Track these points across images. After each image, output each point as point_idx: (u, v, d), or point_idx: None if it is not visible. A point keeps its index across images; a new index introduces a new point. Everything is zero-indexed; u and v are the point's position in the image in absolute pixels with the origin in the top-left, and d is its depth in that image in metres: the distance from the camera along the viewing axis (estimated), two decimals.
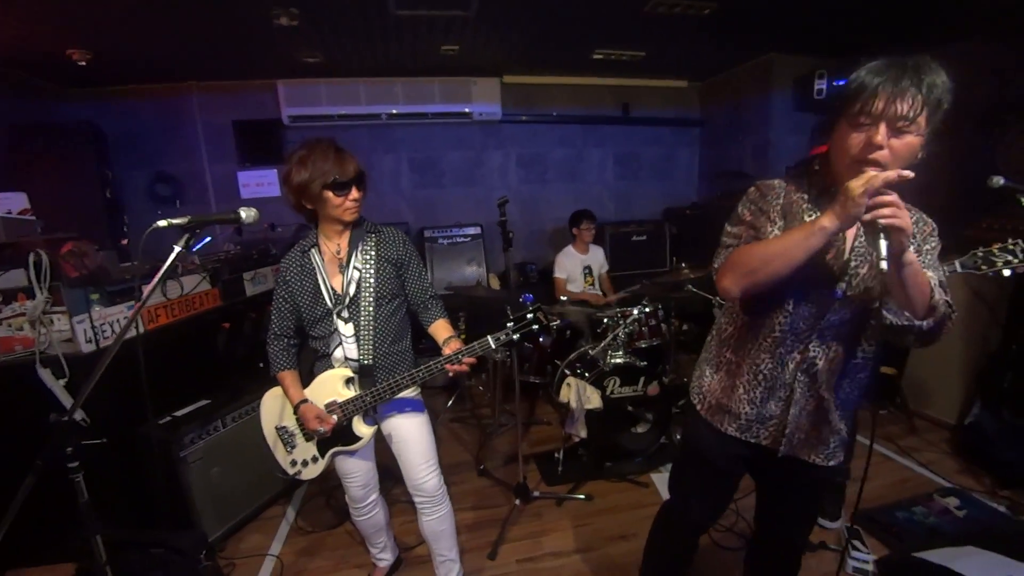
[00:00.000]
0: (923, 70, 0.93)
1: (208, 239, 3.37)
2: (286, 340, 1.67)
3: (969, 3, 2.56)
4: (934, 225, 1.18)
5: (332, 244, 1.61)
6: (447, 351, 1.53)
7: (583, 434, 2.54)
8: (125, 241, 3.64)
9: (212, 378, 2.51)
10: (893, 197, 0.88)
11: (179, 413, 2.19)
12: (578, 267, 3.86)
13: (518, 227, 4.55)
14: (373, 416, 1.66)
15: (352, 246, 1.59)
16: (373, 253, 1.59)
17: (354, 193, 1.51)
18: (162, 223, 1.19)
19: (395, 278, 1.63)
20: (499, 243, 2.56)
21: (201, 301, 2.56)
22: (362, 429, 1.62)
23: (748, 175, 4.13)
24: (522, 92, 4.32)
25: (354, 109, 3.93)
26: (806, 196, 1.15)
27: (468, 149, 4.40)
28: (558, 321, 3.17)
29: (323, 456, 1.67)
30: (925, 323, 1.02)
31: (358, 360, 1.60)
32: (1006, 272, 1.80)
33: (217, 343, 2.71)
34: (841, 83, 3.34)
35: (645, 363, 2.75)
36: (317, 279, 1.59)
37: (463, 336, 3.44)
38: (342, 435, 1.63)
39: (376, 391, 1.55)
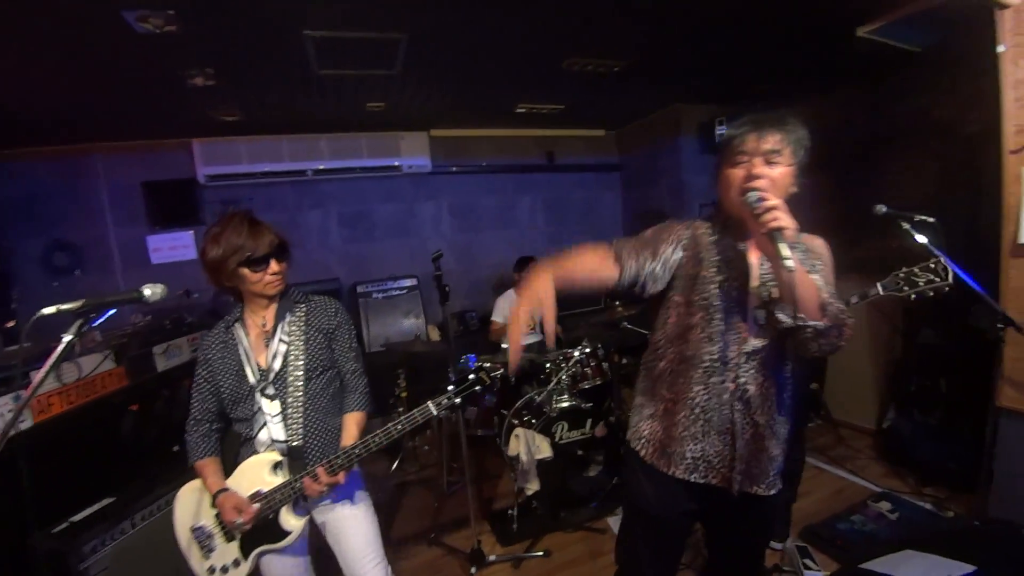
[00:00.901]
0: (781, 117, 1.16)
1: (112, 311, 3.06)
2: (207, 425, 1.51)
3: (843, 54, 2.95)
4: (824, 243, 1.30)
5: (257, 318, 1.52)
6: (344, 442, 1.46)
7: (536, 487, 2.47)
8: (11, 323, 3.22)
9: (118, 471, 2.19)
10: (776, 202, 1.02)
11: (77, 517, 1.87)
12: None
13: (455, 275, 4.55)
14: (304, 505, 1.48)
15: (279, 318, 1.50)
16: (302, 323, 1.50)
17: (273, 267, 1.43)
18: (49, 310, 1.05)
19: (327, 348, 1.54)
20: (437, 293, 2.53)
21: (104, 383, 2.29)
22: (291, 522, 1.43)
23: (667, 214, 4.41)
24: (451, 144, 4.42)
25: (277, 166, 3.83)
26: (711, 230, 1.27)
27: (399, 201, 4.39)
28: (501, 370, 3.12)
29: (246, 558, 1.45)
30: (821, 323, 1.10)
31: (286, 441, 1.44)
32: (929, 293, 2.01)
33: (123, 429, 2.40)
34: None
35: (591, 404, 2.76)
36: (240, 355, 1.47)
37: (404, 394, 3.30)
38: (267, 530, 1.43)
39: (306, 475, 1.40)
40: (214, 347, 1.49)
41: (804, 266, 1.10)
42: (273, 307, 1.51)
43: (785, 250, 0.97)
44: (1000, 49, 2.10)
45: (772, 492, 1.27)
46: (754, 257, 1.23)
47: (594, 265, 1.23)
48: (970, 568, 1.72)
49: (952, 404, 2.99)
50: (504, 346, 3.84)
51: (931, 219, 2.11)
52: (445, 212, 4.56)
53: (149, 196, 3.73)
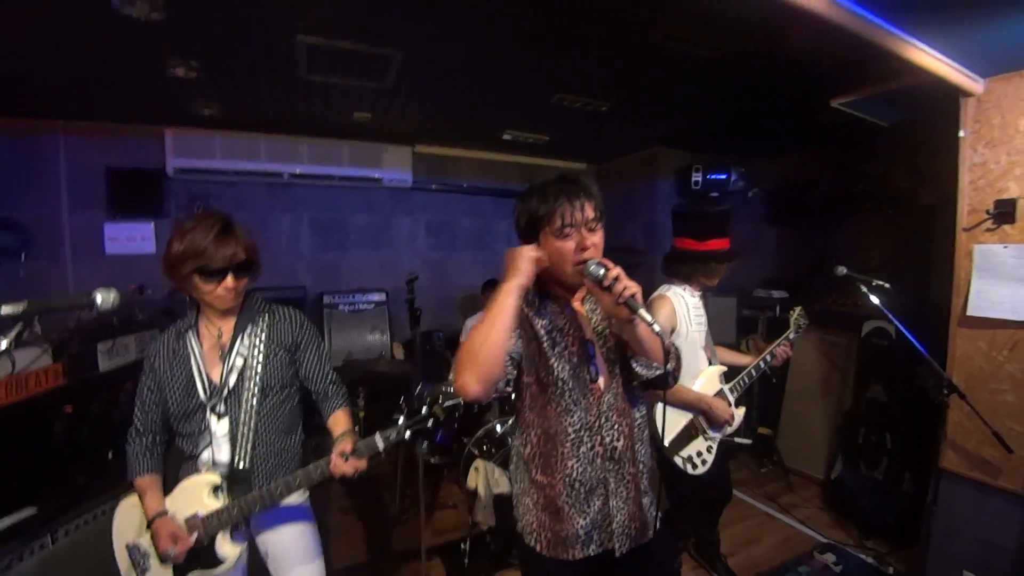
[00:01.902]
0: (587, 185, 1.23)
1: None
2: (149, 437, 1.41)
3: (814, 119, 3.12)
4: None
5: (213, 328, 1.43)
6: (335, 451, 1.34)
7: (491, 522, 2.41)
8: None
9: (44, 478, 2.01)
10: (618, 270, 1.11)
11: None
12: None
13: (426, 293, 4.47)
14: (244, 531, 1.41)
15: (238, 329, 1.42)
16: (263, 336, 1.43)
17: (228, 282, 1.32)
18: None
19: (288, 365, 1.46)
20: (405, 310, 2.49)
21: (38, 380, 2.11)
22: (226, 549, 1.34)
23: (640, 251, 4.51)
24: (434, 161, 4.41)
25: (253, 165, 3.70)
26: (531, 300, 1.29)
27: (376, 213, 4.33)
28: (458, 400, 3.02)
29: None
30: (669, 365, 1.18)
31: (230, 463, 1.36)
32: (792, 336, 2.42)
33: (54, 432, 2.22)
34: (714, 177, 3.87)
35: None
36: (191, 368, 1.38)
37: (362, 413, 3.19)
38: (202, 556, 1.34)
39: (245, 501, 1.31)
40: (162, 355, 1.41)
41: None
42: (232, 317, 1.43)
43: (647, 315, 1.08)
44: (961, 134, 2.27)
45: (652, 532, 1.32)
46: (582, 318, 1.31)
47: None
48: None
49: (895, 459, 3.12)
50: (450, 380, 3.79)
51: (886, 284, 2.22)
52: (422, 229, 4.52)
53: (112, 182, 3.54)
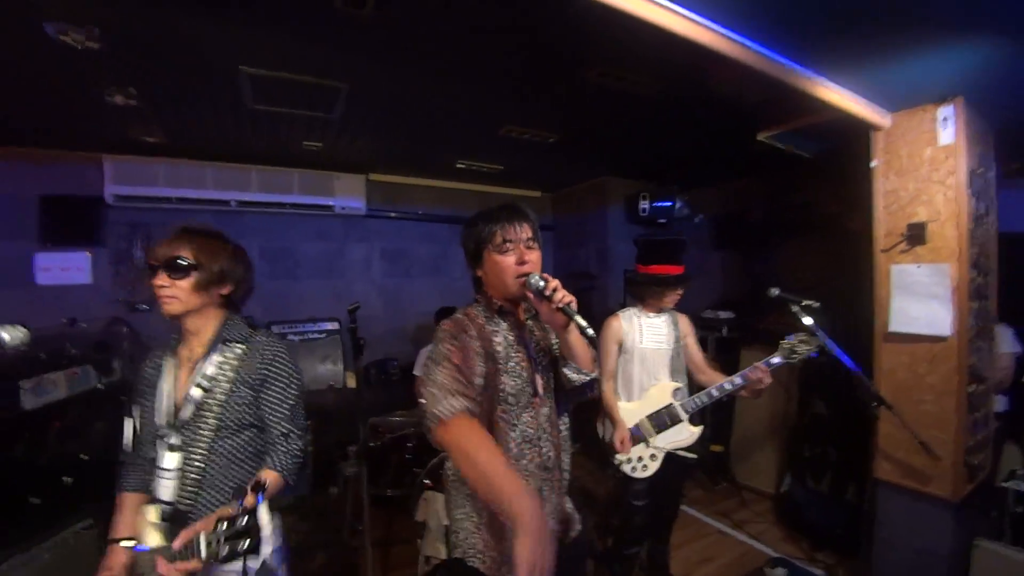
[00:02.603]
0: (522, 210, 1.35)
1: None
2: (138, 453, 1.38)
3: (745, 151, 3.32)
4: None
5: (189, 347, 1.35)
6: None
7: (443, 555, 2.35)
8: None
9: None
10: (556, 282, 1.21)
11: None
12: None
13: (381, 321, 4.42)
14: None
15: (207, 353, 1.32)
16: (233, 365, 1.31)
17: (159, 278, 1.27)
18: None
19: (251, 404, 1.33)
20: (360, 339, 2.47)
21: None
22: None
23: (593, 275, 4.61)
24: (388, 189, 4.41)
25: (198, 193, 3.61)
26: (485, 318, 1.35)
27: (329, 241, 4.27)
28: (412, 429, 2.93)
29: None
30: (596, 373, 1.33)
31: (173, 504, 1.25)
32: (807, 356, 2.25)
33: None
34: (660, 204, 4.03)
35: None
36: (159, 389, 1.32)
37: (309, 448, 3.07)
38: None
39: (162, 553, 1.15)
40: (147, 373, 1.38)
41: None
42: (205, 339, 1.34)
43: (581, 320, 1.17)
44: (873, 164, 2.47)
45: (578, 529, 1.43)
46: (527, 333, 1.40)
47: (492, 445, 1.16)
48: None
49: (839, 472, 3.24)
50: (422, 401, 3.72)
51: (815, 304, 2.35)
52: (377, 256, 4.48)
53: (46, 210, 3.37)
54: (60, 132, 3.12)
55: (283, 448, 1.33)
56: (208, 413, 1.28)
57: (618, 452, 2.26)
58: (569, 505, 1.43)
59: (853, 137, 2.52)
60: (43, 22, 1.86)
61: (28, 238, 3.35)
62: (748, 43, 1.74)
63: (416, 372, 3.75)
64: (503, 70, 2.33)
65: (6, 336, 1.05)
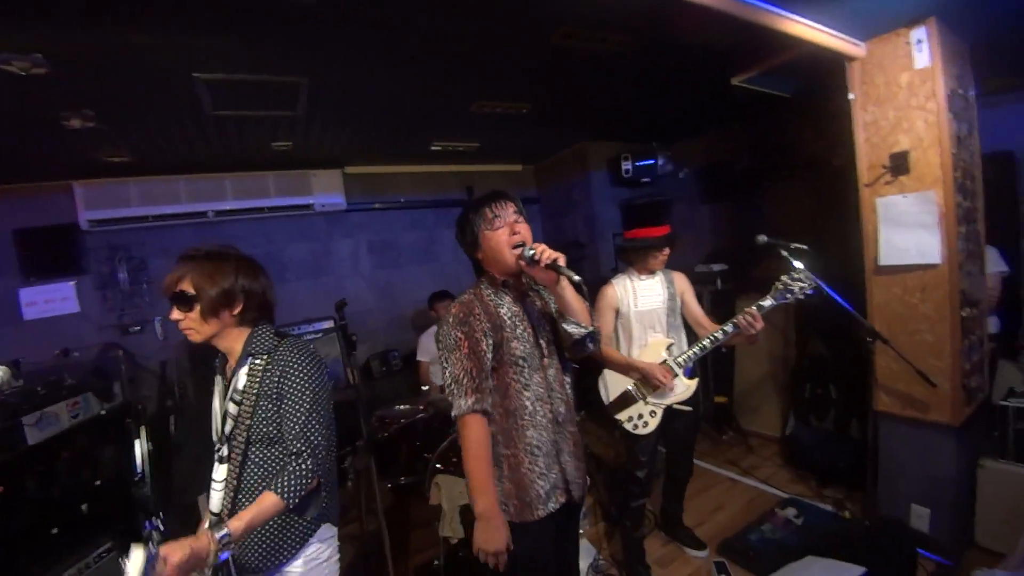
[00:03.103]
0: (503, 191, 1.50)
1: None
2: None
3: (723, 99, 3.25)
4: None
5: (230, 364, 1.41)
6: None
7: (460, 534, 2.40)
8: None
9: None
10: (544, 246, 1.35)
11: None
12: None
13: (375, 314, 4.42)
14: None
15: (236, 372, 1.34)
16: (257, 381, 1.30)
17: (173, 314, 1.31)
18: None
19: (274, 417, 1.30)
20: (358, 336, 2.48)
21: None
22: None
23: (583, 243, 4.59)
24: (367, 181, 4.34)
25: (173, 208, 3.55)
26: (492, 295, 1.50)
27: (313, 240, 4.22)
28: (419, 415, 2.98)
29: None
30: (594, 327, 1.46)
31: (218, 514, 1.31)
32: (802, 296, 2.20)
33: None
34: (642, 164, 3.97)
35: None
36: (214, 405, 1.39)
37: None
38: None
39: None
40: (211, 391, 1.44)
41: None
42: (237, 355, 1.35)
43: (569, 272, 1.31)
44: (851, 96, 2.42)
45: (581, 490, 1.58)
46: (530, 303, 1.54)
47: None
48: (860, 570, 1.87)
49: (841, 408, 3.29)
50: (425, 388, 3.75)
51: (804, 247, 2.34)
52: (364, 249, 4.44)
53: (22, 245, 3.32)
54: (25, 164, 3.05)
55: (291, 468, 1.27)
56: (241, 426, 1.31)
57: (664, 385, 2.28)
58: (582, 453, 1.58)
59: (830, 72, 2.46)
60: None
61: (9, 275, 3.31)
62: None
63: (420, 358, 3.77)
64: (463, 45, 2.25)
65: None
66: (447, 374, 1.42)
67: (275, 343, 1.35)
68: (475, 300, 1.47)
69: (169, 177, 3.54)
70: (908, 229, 2.29)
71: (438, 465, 2.70)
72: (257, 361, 1.32)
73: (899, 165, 2.28)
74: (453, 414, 1.39)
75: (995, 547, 2.29)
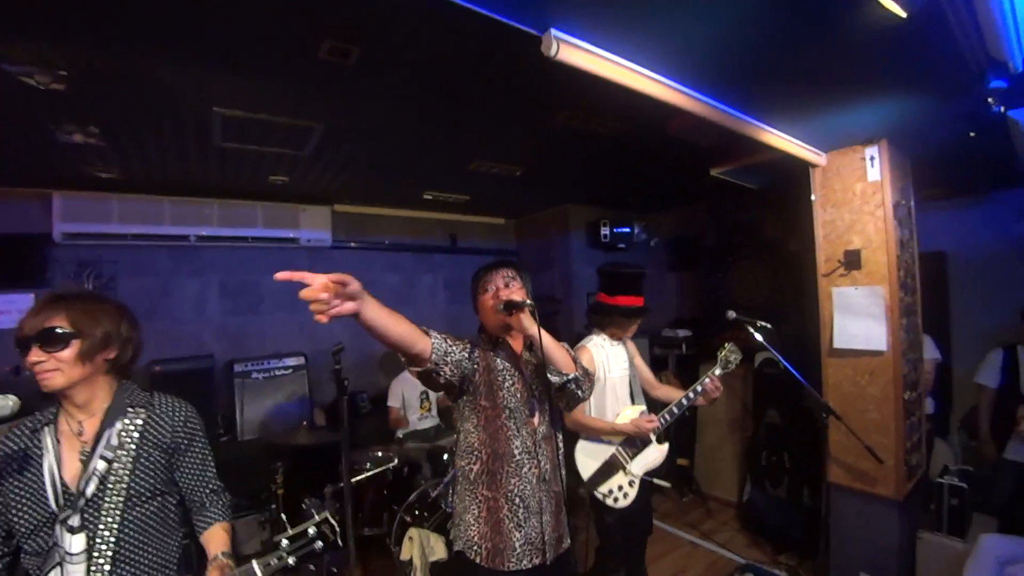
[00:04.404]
0: (505, 260, 1.72)
1: None
2: None
3: (694, 180, 3.58)
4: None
5: (73, 422, 1.23)
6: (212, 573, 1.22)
7: None
8: None
9: None
10: (519, 294, 1.55)
11: None
12: (415, 392, 3.80)
13: (347, 353, 4.30)
14: None
15: (105, 426, 1.22)
16: (136, 435, 1.24)
17: (32, 355, 1.16)
18: None
19: (164, 468, 1.28)
20: (327, 374, 2.45)
21: None
22: None
23: (559, 299, 4.76)
24: (354, 220, 4.39)
25: (155, 229, 3.47)
26: (488, 347, 1.62)
27: None
28: (395, 461, 2.92)
29: None
30: (577, 373, 1.53)
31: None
32: (735, 365, 2.48)
33: None
34: (619, 230, 4.23)
35: None
36: (43, 472, 1.17)
37: (280, 491, 2.99)
38: None
39: None
40: (11, 455, 1.18)
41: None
42: (97, 410, 1.24)
43: (519, 301, 1.46)
44: (813, 198, 2.74)
45: (567, 544, 1.62)
46: (523, 364, 1.63)
47: (412, 330, 1.41)
48: None
49: (794, 477, 3.48)
50: (400, 435, 3.70)
51: (768, 325, 2.57)
52: None
53: None
54: (8, 167, 2.94)
55: (220, 500, 1.41)
56: (117, 485, 1.19)
57: (654, 429, 2.34)
58: (563, 516, 1.61)
59: (793, 172, 2.80)
60: (6, 62, 1.80)
61: None
62: (702, 97, 1.94)
63: (391, 403, 3.72)
64: (477, 113, 2.44)
65: None
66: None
67: (148, 397, 1.33)
68: (466, 343, 1.58)
69: (155, 197, 3.47)
70: (859, 318, 2.57)
71: (407, 518, 2.66)
72: (141, 412, 1.27)
73: (852, 261, 2.59)
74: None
75: None
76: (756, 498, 3.61)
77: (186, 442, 1.33)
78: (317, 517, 1.30)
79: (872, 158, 2.48)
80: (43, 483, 1.17)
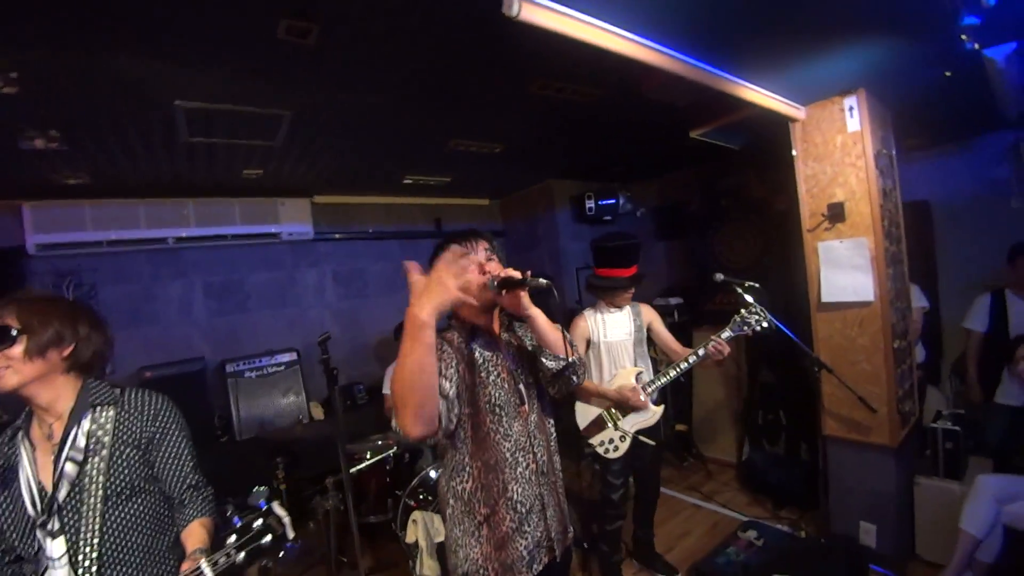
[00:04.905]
0: (474, 230, 1.48)
1: None
2: None
3: (675, 145, 3.54)
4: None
5: (43, 425, 1.22)
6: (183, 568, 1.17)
7: (437, 572, 2.37)
8: None
9: None
10: (495, 267, 1.35)
11: None
12: None
13: (340, 345, 4.31)
14: None
15: (69, 427, 1.19)
16: (108, 429, 1.22)
17: None
18: None
19: (140, 465, 1.26)
20: (319, 367, 2.45)
21: None
22: None
23: (549, 276, 4.73)
24: (335, 211, 4.32)
25: (131, 234, 3.39)
26: (460, 337, 1.39)
27: (277, 269, 4.13)
28: (395, 449, 2.93)
29: None
30: (575, 358, 1.38)
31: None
32: (758, 328, 2.41)
33: None
34: (604, 203, 4.19)
35: None
36: (20, 477, 1.17)
37: (283, 486, 2.99)
38: None
39: None
40: None
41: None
42: (62, 410, 1.22)
43: (533, 280, 1.25)
44: (794, 153, 2.72)
45: (571, 534, 1.50)
46: (504, 347, 1.44)
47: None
48: None
49: (791, 433, 3.53)
50: (394, 423, 3.70)
51: (756, 285, 2.56)
52: (329, 279, 4.38)
53: None
54: None
55: (200, 496, 1.35)
56: (91, 486, 1.18)
57: (639, 403, 2.47)
58: (565, 507, 1.49)
59: (774, 129, 2.76)
60: None
61: None
62: (673, 53, 1.88)
63: (385, 391, 3.71)
64: (448, 89, 2.38)
65: None
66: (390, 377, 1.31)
67: (117, 394, 1.29)
68: (444, 343, 1.32)
69: (128, 201, 3.39)
70: (845, 271, 2.57)
71: (411, 502, 2.67)
72: (109, 410, 1.25)
73: (836, 214, 2.58)
74: (393, 425, 1.19)
75: (935, 559, 2.51)
76: (755, 457, 3.66)
77: (159, 435, 1.30)
78: (264, 508, 1.20)
79: (851, 108, 2.45)
80: (20, 488, 1.17)
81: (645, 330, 2.70)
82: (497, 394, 1.35)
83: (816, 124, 2.61)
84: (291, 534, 1.19)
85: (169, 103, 2.20)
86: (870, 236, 2.47)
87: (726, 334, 2.42)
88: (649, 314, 2.74)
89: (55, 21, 1.55)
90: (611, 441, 2.53)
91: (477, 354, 1.38)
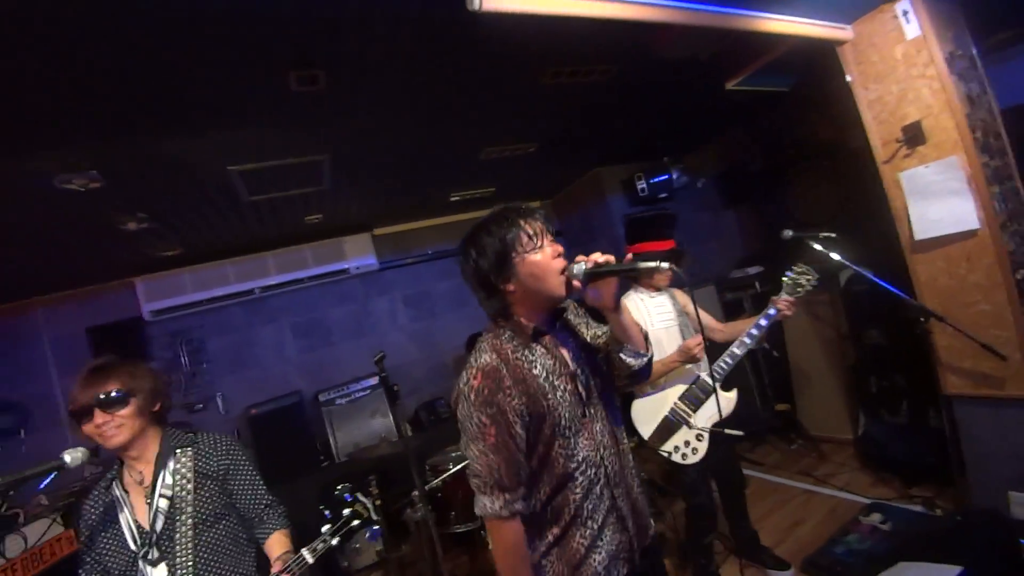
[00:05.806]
0: (527, 207, 1.28)
1: (54, 474, 2.88)
2: None
3: (722, 105, 3.28)
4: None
5: (134, 472, 1.40)
6: (273, 570, 1.41)
7: None
8: None
9: None
10: (596, 254, 1.15)
11: None
12: None
13: (417, 365, 4.52)
14: None
15: (158, 468, 1.39)
16: (189, 470, 1.40)
17: (97, 418, 1.30)
18: None
19: (220, 495, 1.44)
20: (404, 388, 2.53)
21: (53, 550, 2.14)
22: None
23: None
24: (395, 239, 4.56)
25: (224, 290, 3.85)
26: (510, 341, 1.22)
27: (351, 302, 4.43)
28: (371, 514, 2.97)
29: None
30: (652, 352, 1.28)
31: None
32: (810, 288, 2.20)
33: None
34: (656, 180, 3.99)
35: None
36: (120, 520, 1.35)
37: (378, 501, 3.13)
38: None
39: None
40: (93, 515, 1.37)
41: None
42: (150, 457, 1.40)
43: (646, 264, 1.12)
44: (848, 79, 2.40)
45: (652, 530, 1.37)
46: (562, 350, 1.26)
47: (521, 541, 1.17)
48: (957, 569, 1.70)
49: (913, 398, 3.05)
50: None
51: (832, 234, 2.28)
52: (399, 304, 4.61)
53: (95, 341, 3.66)
54: (91, 267, 3.42)
55: (275, 512, 1.54)
56: (182, 515, 1.35)
57: (696, 352, 2.16)
58: (644, 505, 1.34)
59: (823, 59, 2.47)
60: (50, 179, 2.08)
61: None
62: (677, 3, 1.76)
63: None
64: (462, 101, 2.42)
65: (68, 458, 1.18)
66: (469, 466, 1.18)
67: (192, 436, 1.48)
68: (501, 365, 1.17)
69: (217, 263, 3.85)
70: (938, 199, 2.20)
71: None
72: (188, 451, 1.43)
73: (914, 136, 2.22)
74: (477, 512, 1.15)
75: None
76: (873, 431, 3.21)
77: (233, 468, 1.48)
78: (351, 500, 1.53)
79: (905, 12, 2.11)
80: (122, 530, 1.35)
81: (686, 314, 2.42)
82: (563, 414, 1.19)
83: (868, 40, 2.29)
84: (375, 516, 1.52)
85: (222, 170, 2.47)
86: (960, 153, 2.09)
87: (782, 296, 2.21)
88: (682, 297, 2.47)
89: (111, 118, 1.81)
90: (687, 444, 2.22)
91: (538, 368, 1.19)
